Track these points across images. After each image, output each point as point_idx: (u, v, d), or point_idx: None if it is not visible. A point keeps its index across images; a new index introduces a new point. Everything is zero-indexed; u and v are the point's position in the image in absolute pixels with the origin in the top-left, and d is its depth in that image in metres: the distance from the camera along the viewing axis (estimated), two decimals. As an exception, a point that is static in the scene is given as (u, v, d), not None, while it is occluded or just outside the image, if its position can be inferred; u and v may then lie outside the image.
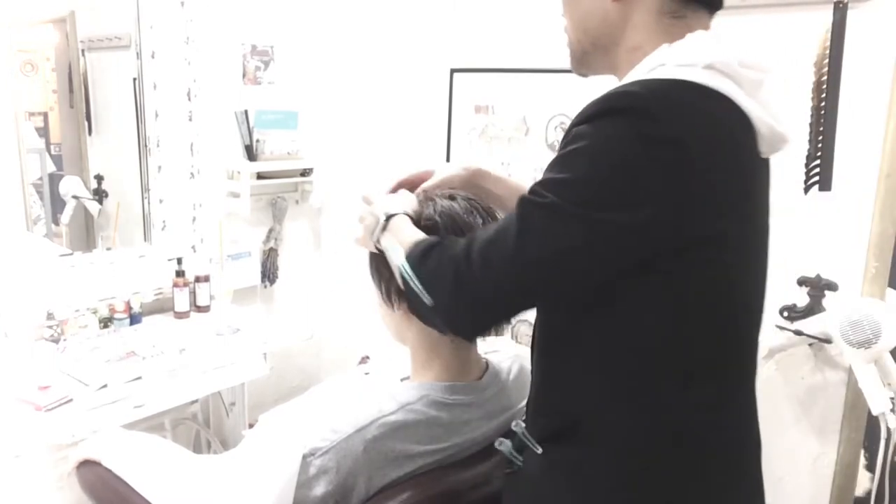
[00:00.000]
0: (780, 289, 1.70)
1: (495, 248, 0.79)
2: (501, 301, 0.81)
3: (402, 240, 0.92)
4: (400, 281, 0.90)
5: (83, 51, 2.16)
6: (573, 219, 0.75)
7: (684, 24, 0.83)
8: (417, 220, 1.00)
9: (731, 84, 0.77)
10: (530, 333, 0.94)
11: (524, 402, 1.00)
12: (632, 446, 0.82)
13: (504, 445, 0.93)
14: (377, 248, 0.99)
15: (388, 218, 0.97)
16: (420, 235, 0.92)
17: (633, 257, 0.76)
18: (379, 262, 1.05)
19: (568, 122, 2.15)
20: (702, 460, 0.83)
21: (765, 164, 0.87)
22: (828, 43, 1.46)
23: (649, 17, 0.84)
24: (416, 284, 0.85)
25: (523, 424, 0.93)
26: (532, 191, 0.79)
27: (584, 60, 0.92)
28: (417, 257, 0.87)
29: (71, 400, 1.73)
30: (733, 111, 0.78)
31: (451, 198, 1.08)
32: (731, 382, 0.87)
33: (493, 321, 0.87)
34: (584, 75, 0.95)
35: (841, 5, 1.45)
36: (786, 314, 1.70)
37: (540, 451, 0.87)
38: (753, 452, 0.91)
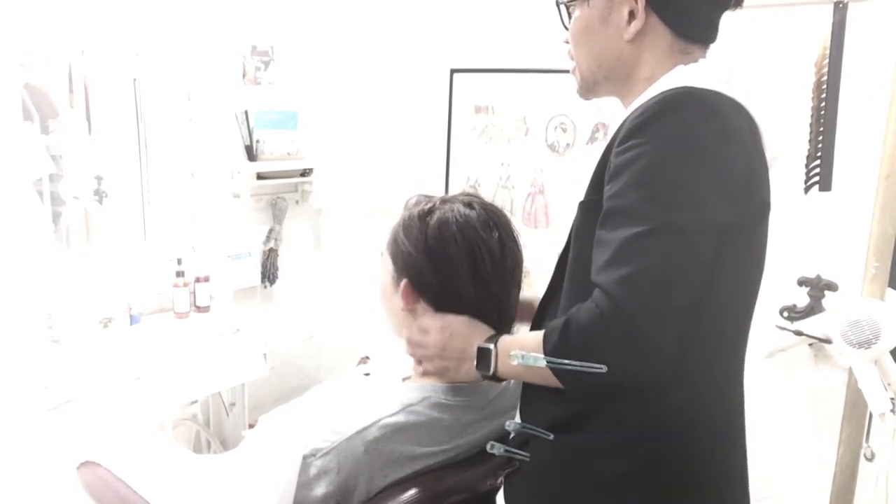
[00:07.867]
0: (780, 289, 1.70)
1: (636, 288, 0.76)
2: (673, 325, 0.77)
3: (523, 347, 0.86)
4: (555, 378, 0.83)
5: (83, 50, 2.16)
6: (684, 233, 0.77)
7: (690, 58, 0.92)
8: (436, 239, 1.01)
9: (747, 99, 0.86)
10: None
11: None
12: (645, 432, 0.84)
13: (497, 448, 0.93)
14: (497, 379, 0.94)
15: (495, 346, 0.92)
16: (533, 334, 0.87)
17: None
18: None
19: (568, 122, 2.17)
20: (709, 442, 0.88)
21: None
22: (828, 43, 1.46)
23: (661, 53, 0.92)
24: (578, 367, 0.79)
25: (519, 420, 0.94)
26: (623, 211, 0.79)
27: (594, 89, 0.99)
28: (558, 346, 0.81)
29: (71, 400, 1.73)
30: (752, 120, 0.87)
31: (469, 206, 1.06)
32: (739, 365, 0.92)
33: (676, 335, 0.78)
34: (588, 98, 1.02)
35: (841, 5, 1.45)
36: (786, 314, 1.70)
37: (551, 437, 0.88)
38: (742, 439, 0.96)
